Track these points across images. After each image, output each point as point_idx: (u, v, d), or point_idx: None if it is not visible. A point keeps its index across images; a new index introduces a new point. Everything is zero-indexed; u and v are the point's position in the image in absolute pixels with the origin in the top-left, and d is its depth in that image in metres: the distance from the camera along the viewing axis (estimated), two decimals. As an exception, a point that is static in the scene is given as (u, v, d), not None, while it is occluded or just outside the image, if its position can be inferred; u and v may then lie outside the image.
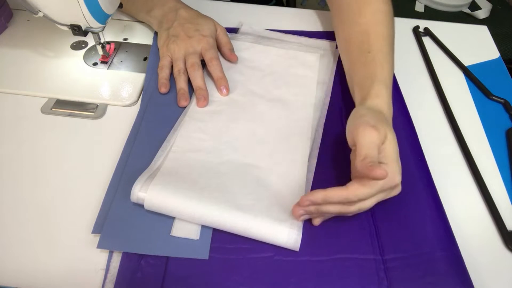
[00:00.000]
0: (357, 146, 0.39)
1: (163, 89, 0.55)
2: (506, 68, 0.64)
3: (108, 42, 0.60)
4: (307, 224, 0.42)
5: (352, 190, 0.38)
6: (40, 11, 0.49)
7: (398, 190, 0.41)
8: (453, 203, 0.46)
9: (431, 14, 1.15)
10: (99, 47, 0.57)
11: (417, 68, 0.64)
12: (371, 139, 0.39)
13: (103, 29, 0.53)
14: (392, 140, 0.40)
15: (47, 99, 0.54)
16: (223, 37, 0.61)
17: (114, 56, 0.60)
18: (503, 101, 0.58)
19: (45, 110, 0.53)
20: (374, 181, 0.37)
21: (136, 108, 0.54)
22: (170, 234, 0.41)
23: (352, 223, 0.43)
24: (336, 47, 0.65)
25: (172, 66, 0.57)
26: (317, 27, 0.69)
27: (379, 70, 0.48)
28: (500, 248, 0.43)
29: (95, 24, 0.51)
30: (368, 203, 0.39)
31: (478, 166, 0.50)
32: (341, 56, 0.58)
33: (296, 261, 0.40)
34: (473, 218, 0.46)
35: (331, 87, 0.58)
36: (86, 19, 0.49)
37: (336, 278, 0.39)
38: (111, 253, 0.40)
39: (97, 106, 0.54)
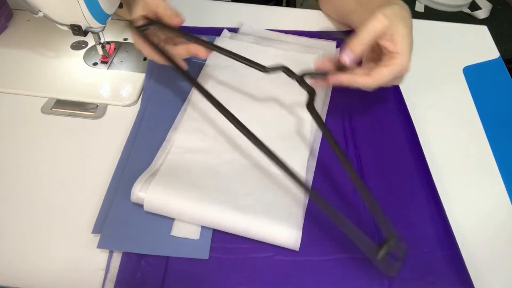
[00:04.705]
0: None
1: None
2: (506, 68, 0.64)
3: (108, 42, 0.60)
4: (307, 224, 0.42)
5: (375, 78, 0.43)
6: (40, 11, 0.49)
7: (402, 79, 0.47)
8: (453, 202, 0.46)
9: (431, 14, 1.15)
10: (99, 47, 0.57)
11: (417, 67, 0.64)
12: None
13: (103, 29, 0.53)
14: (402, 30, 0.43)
15: (47, 99, 0.54)
16: None
17: (114, 56, 0.60)
18: None
19: (45, 110, 0.53)
20: (391, 69, 0.43)
21: (136, 108, 0.54)
22: (170, 234, 0.41)
23: (353, 222, 0.43)
24: (337, 47, 0.65)
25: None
26: (317, 27, 0.69)
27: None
28: (500, 247, 0.43)
29: (95, 24, 0.51)
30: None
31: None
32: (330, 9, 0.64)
33: (296, 261, 0.40)
34: (473, 217, 0.46)
35: (330, 88, 0.58)
36: (86, 19, 0.49)
37: (337, 278, 0.39)
38: (111, 253, 0.40)
39: (97, 106, 0.54)
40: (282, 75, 0.58)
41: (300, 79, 0.47)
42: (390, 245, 0.35)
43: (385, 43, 0.44)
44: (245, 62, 0.48)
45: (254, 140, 0.41)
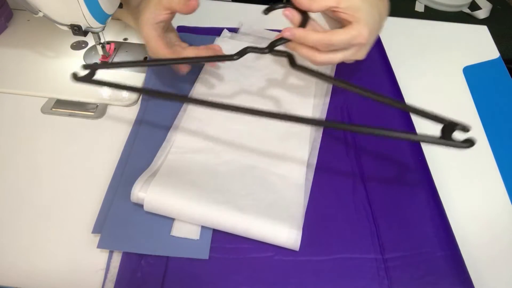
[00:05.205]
0: None
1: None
2: (506, 68, 0.64)
3: (108, 42, 0.60)
4: (307, 224, 0.42)
5: (328, 34, 0.44)
6: (40, 11, 0.49)
7: (364, 52, 0.47)
8: (453, 203, 0.46)
9: (431, 14, 1.15)
10: (99, 47, 0.57)
11: (417, 67, 0.64)
12: None
13: (103, 29, 0.53)
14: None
15: (47, 99, 0.54)
16: None
17: (114, 56, 0.60)
18: None
19: (45, 110, 0.53)
20: (346, 31, 0.44)
21: (136, 108, 0.54)
22: (170, 234, 0.41)
23: (352, 222, 0.43)
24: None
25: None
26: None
27: None
28: (500, 248, 0.43)
29: (95, 24, 0.51)
30: (335, 58, 0.46)
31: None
32: None
33: (296, 261, 0.40)
34: (473, 217, 0.46)
35: (331, 86, 0.58)
36: (86, 19, 0.49)
37: (336, 278, 0.39)
38: (111, 253, 0.40)
39: (97, 106, 0.54)
40: (281, 75, 0.59)
41: (270, 49, 0.45)
42: (449, 128, 0.38)
43: (342, 15, 0.46)
44: (210, 59, 0.49)
45: (259, 112, 0.41)
